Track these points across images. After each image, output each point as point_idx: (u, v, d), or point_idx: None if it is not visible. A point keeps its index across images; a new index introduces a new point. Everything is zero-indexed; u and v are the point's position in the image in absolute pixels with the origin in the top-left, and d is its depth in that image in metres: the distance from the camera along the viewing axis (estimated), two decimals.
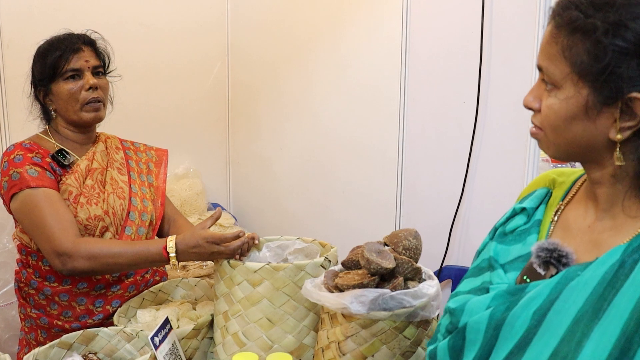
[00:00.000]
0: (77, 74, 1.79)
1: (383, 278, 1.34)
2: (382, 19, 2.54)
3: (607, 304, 0.82)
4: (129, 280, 1.84)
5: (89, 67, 1.80)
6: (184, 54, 3.21)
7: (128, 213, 1.85)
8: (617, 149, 0.86)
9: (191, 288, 1.94)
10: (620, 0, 0.82)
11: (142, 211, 1.88)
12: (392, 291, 1.28)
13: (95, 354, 1.58)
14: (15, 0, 2.66)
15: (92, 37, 1.88)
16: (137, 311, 1.78)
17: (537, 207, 1.08)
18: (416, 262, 1.39)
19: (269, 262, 1.57)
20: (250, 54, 3.30)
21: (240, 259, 1.62)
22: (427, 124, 2.47)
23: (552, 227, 1.03)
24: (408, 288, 1.32)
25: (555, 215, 1.04)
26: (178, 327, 1.67)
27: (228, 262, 1.56)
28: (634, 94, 0.82)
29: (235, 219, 3.29)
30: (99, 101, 1.82)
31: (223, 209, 3.37)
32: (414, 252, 1.40)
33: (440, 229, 2.45)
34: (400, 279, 1.32)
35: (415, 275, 1.37)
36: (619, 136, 0.85)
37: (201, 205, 3.18)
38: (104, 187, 1.84)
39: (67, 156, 1.80)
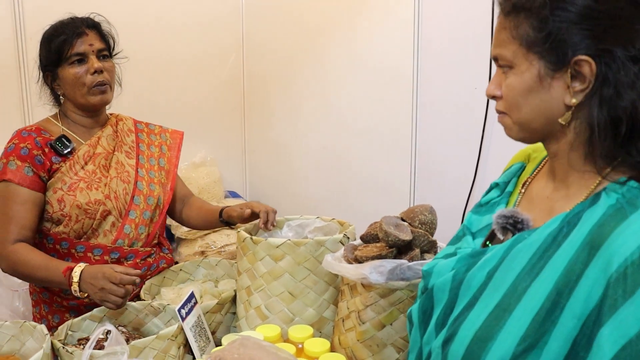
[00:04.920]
0: (82, 58, 1.81)
1: (400, 250, 1.40)
2: (395, 5, 2.59)
3: (544, 263, 0.90)
4: (128, 262, 1.84)
5: (93, 51, 1.82)
6: (200, 46, 3.27)
7: (132, 197, 1.87)
8: (570, 111, 0.92)
9: (212, 267, 2.00)
10: None
11: (147, 195, 1.91)
12: (410, 262, 1.33)
13: (124, 326, 1.65)
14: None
15: (96, 19, 1.89)
16: (160, 289, 1.85)
17: (509, 181, 1.15)
18: (432, 236, 1.45)
19: (290, 239, 1.63)
20: (264, 44, 3.36)
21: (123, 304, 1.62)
22: (440, 109, 2.51)
23: (519, 198, 1.10)
24: (425, 259, 1.38)
25: (523, 187, 1.11)
26: (202, 303, 1.73)
27: (251, 238, 1.63)
28: (579, 57, 0.88)
29: None
30: (105, 84, 1.84)
31: (239, 196, 3.44)
32: (430, 227, 1.45)
33: (454, 212, 2.49)
34: (417, 250, 1.38)
35: (431, 248, 1.43)
36: (573, 100, 0.91)
37: (218, 192, 3.25)
38: (107, 172, 1.86)
39: (67, 144, 1.81)
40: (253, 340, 1.31)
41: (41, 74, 1.88)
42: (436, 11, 2.47)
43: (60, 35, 1.80)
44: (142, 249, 1.87)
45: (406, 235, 1.37)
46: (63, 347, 1.43)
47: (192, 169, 3.21)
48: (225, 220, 1.93)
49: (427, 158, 2.59)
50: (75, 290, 1.62)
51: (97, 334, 1.42)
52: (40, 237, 1.82)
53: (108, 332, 1.43)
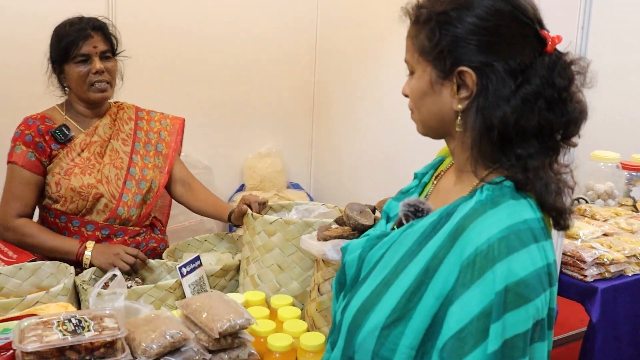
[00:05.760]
0: (86, 59, 2.00)
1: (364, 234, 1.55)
2: None
3: (421, 247, 1.01)
4: (117, 239, 2.06)
5: (96, 53, 2.01)
6: (276, 49, 3.58)
7: (125, 182, 2.08)
8: (458, 118, 1.03)
9: (234, 241, 2.23)
10: None
11: (139, 180, 2.11)
12: None
13: (143, 279, 1.92)
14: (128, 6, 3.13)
15: (103, 21, 2.07)
16: (183, 254, 2.11)
17: (427, 173, 1.27)
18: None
19: (282, 217, 1.82)
20: (334, 49, 3.59)
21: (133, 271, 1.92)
22: None
23: (431, 189, 1.22)
24: None
25: (435, 179, 1.23)
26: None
27: (252, 214, 1.84)
28: (462, 68, 1.00)
29: (311, 198, 3.59)
30: (106, 82, 2.04)
31: (301, 188, 3.68)
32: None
33: None
34: None
35: None
36: (459, 106, 1.02)
37: (280, 182, 3.51)
38: (101, 158, 2.08)
39: (67, 133, 2.03)
40: (219, 295, 1.52)
41: (50, 65, 2.07)
42: None
43: (68, 35, 2.00)
44: (131, 227, 2.09)
45: (367, 221, 1.53)
46: (80, 285, 1.72)
47: (257, 159, 3.49)
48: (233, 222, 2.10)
49: None
50: (87, 257, 1.91)
51: (107, 277, 1.69)
52: (44, 212, 2.09)
53: (115, 276, 1.70)
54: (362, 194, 3.38)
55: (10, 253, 3.15)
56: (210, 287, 1.87)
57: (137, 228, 2.12)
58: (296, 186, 3.68)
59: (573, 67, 1.02)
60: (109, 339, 1.29)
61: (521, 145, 1.00)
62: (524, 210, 0.98)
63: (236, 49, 3.45)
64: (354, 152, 3.46)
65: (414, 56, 1.08)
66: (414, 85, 1.09)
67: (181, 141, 2.31)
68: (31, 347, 1.23)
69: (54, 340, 1.25)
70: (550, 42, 1.01)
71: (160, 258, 2.03)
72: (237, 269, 1.96)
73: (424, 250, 1.01)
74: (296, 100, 3.74)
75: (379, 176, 3.27)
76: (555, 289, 0.99)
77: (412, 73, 1.11)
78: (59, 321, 1.32)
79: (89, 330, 1.29)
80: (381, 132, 3.22)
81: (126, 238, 2.08)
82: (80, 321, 1.33)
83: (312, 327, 1.61)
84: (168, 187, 2.26)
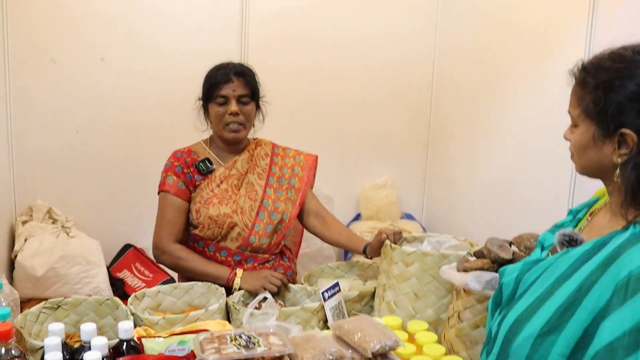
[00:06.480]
0: (225, 101, 2.20)
1: (502, 266, 1.64)
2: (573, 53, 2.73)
3: (575, 271, 1.14)
4: (247, 265, 2.23)
5: (234, 96, 2.20)
6: (394, 81, 3.74)
7: (257, 213, 2.25)
8: (618, 169, 1.18)
9: (364, 269, 2.36)
10: (612, 64, 1.18)
11: (271, 211, 2.27)
12: None
13: (284, 302, 2.07)
14: (260, 32, 3.40)
15: (246, 67, 2.27)
16: (318, 279, 2.26)
17: (581, 210, 1.40)
18: None
19: (419, 249, 1.93)
20: (452, 83, 3.68)
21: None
22: None
23: (585, 224, 1.35)
24: None
25: (590, 216, 1.36)
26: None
27: (390, 245, 1.97)
28: (624, 130, 1.14)
29: (424, 229, 3.68)
30: (239, 124, 2.23)
31: (414, 218, 3.78)
32: (532, 251, 1.68)
33: None
34: None
35: None
36: (619, 160, 1.17)
37: (394, 213, 3.62)
38: (238, 190, 2.26)
39: (209, 165, 2.25)
40: (368, 318, 1.65)
41: (201, 103, 2.31)
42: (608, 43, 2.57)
43: (213, 78, 2.23)
44: (261, 255, 2.26)
45: (506, 255, 1.62)
46: (233, 305, 1.90)
47: (373, 190, 3.63)
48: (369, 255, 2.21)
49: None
50: (237, 283, 2.08)
51: (258, 299, 1.87)
52: (185, 236, 2.28)
53: (266, 298, 1.86)
54: (473, 226, 3.44)
55: (146, 272, 3.44)
56: (347, 311, 2.00)
57: (267, 255, 2.28)
58: (409, 217, 3.78)
59: None
60: (277, 354, 1.44)
61: None
62: None
63: (357, 85, 3.64)
64: (467, 185, 3.52)
65: (579, 115, 1.23)
66: (577, 138, 1.25)
67: (314, 176, 2.47)
68: (212, 357, 1.40)
69: (230, 353, 1.42)
70: None
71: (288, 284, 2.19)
72: (372, 295, 2.09)
73: (578, 273, 1.13)
74: (412, 132, 3.87)
75: (491, 209, 3.31)
76: None
77: (575, 125, 1.25)
78: (231, 337, 1.49)
79: (259, 346, 1.45)
80: (496, 166, 3.27)
81: (256, 264, 2.25)
82: (250, 337, 1.49)
83: (450, 351, 1.70)
84: (301, 219, 2.42)
